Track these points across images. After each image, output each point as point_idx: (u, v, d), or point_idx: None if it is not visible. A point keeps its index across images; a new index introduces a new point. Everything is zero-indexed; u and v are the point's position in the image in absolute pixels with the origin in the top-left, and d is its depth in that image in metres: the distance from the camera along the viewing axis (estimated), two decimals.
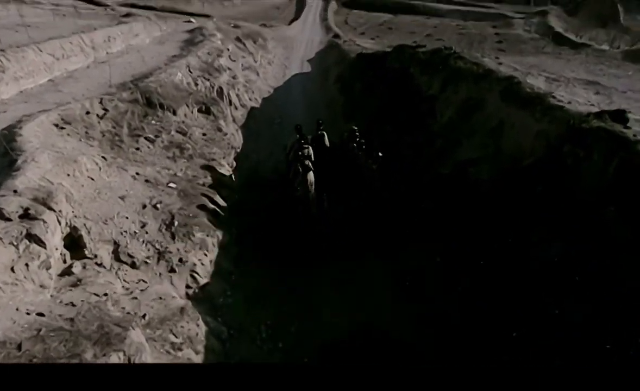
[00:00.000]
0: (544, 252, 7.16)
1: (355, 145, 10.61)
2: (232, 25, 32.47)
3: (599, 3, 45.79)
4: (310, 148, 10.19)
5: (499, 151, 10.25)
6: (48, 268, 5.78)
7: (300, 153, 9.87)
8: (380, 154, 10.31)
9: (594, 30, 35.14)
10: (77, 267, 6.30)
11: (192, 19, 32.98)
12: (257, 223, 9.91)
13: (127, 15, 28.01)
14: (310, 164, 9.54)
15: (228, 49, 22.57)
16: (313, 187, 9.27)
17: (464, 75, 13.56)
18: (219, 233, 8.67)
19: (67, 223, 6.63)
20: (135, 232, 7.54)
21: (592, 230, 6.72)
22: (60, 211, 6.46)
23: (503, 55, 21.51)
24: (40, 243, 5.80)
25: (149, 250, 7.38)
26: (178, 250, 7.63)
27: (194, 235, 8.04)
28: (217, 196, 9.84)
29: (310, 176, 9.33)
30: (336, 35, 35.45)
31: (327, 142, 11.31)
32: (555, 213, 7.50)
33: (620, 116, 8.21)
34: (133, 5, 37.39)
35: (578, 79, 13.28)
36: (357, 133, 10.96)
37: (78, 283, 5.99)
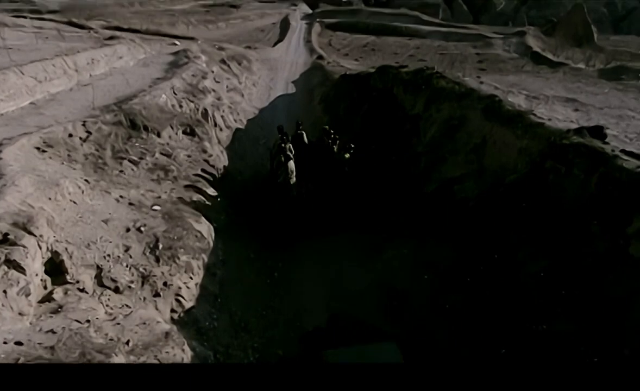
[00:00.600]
0: (531, 268, 7.21)
1: (330, 141, 12.45)
2: (217, 47, 32.67)
3: (574, 24, 47.39)
4: (291, 144, 11.79)
5: (483, 168, 10.38)
6: (27, 295, 5.62)
7: (282, 145, 11.43)
8: (352, 145, 12.19)
9: (570, 49, 36.25)
10: (58, 293, 6.14)
11: (176, 42, 33.09)
12: (244, 244, 9.82)
13: (111, 38, 27.95)
14: (290, 155, 11.18)
15: (213, 71, 22.66)
16: (293, 173, 11.05)
17: (446, 94, 13.79)
18: (204, 256, 8.55)
19: (48, 248, 6.47)
20: (118, 256, 7.40)
21: (576, 245, 6.80)
22: (41, 236, 6.31)
23: (484, 74, 22.00)
24: (20, 269, 5.64)
25: (132, 274, 7.23)
26: (163, 273, 7.50)
27: (178, 258, 7.92)
28: (202, 218, 9.74)
29: (291, 164, 11.06)
30: (320, 57, 35.90)
31: (305, 140, 13.13)
32: (540, 229, 7.59)
33: (598, 132, 8.41)
34: (117, 28, 37.43)
35: (557, 97, 13.61)
36: (332, 131, 12.86)
37: (59, 309, 5.82)
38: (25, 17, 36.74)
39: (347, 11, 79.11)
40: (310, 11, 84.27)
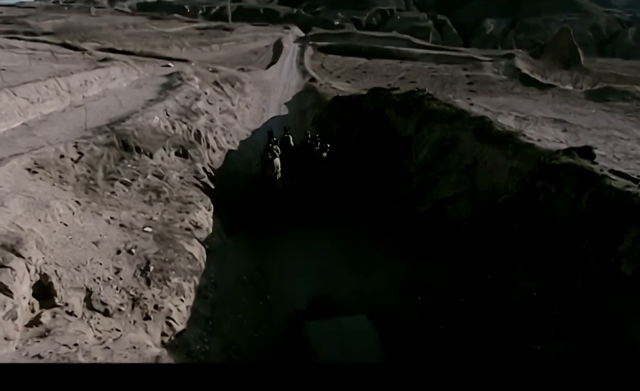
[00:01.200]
0: (524, 288, 7.21)
1: (313, 143, 14.73)
2: (210, 69, 32.96)
3: (561, 47, 48.48)
4: (278, 146, 13.93)
5: (475, 188, 10.46)
6: (14, 319, 5.50)
7: (270, 146, 13.63)
8: (328, 145, 14.43)
9: (558, 71, 36.98)
10: (46, 317, 6.02)
11: (170, 64, 33.35)
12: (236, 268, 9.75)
13: (105, 59, 28.12)
14: (277, 154, 13.24)
15: (206, 93, 22.80)
16: (279, 169, 13.08)
17: (437, 116, 13.95)
18: (196, 278, 8.47)
19: (36, 270, 6.37)
20: (108, 278, 7.30)
21: (568, 264, 6.82)
22: (29, 258, 6.22)
23: (474, 96, 22.35)
24: (7, 292, 5.54)
25: (122, 296, 7.13)
26: (153, 296, 7.39)
27: (170, 280, 7.83)
28: (194, 239, 9.67)
29: (276, 161, 13.13)
30: (313, 79, 36.31)
31: (292, 143, 15.42)
32: (532, 248, 7.62)
33: (587, 152, 8.53)
34: (111, 50, 37.69)
35: (546, 118, 13.82)
36: (316, 135, 15.31)
37: (46, 333, 5.71)
38: (19, 39, 36.95)
39: (339, 34, 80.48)
40: (303, 34, 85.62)
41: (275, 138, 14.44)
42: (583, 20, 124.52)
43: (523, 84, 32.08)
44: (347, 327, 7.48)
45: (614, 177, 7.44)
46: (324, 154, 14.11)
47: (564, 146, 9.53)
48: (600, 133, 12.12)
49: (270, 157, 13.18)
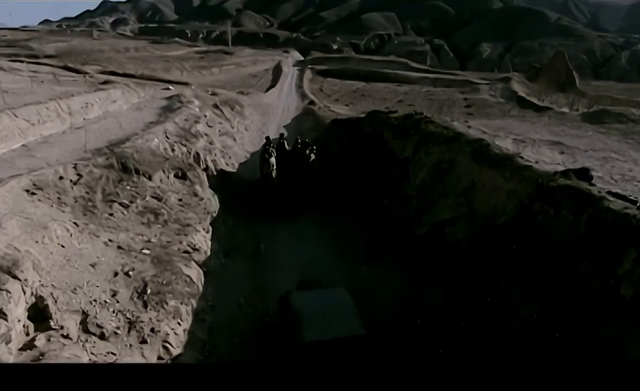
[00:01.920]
0: (523, 310, 7.15)
1: (303, 147, 16.98)
2: (210, 92, 33.28)
3: (557, 70, 49.15)
4: (274, 148, 16.46)
5: (473, 211, 10.46)
6: (8, 342, 5.43)
7: (267, 148, 16.13)
8: (314, 148, 16.82)
9: (554, 94, 37.38)
10: (40, 340, 5.94)
11: (170, 87, 33.69)
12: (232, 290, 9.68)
13: (106, 82, 28.41)
14: (272, 154, 15.57)
15: (205, 116, 22.96)
16: (274, 167, 15.29)
17: (435, 138, 14.05)
18: (193, 301, 8.39)
19: (32, 292, 6.32)
20: (105, 301, 7.23)
21: (568, 286, 6.79)
22: (25, 280, 6.18)
23: (471, 118, 22.53)
24: (2, 314, 5.48)
25: (119, 319, 7.05)
26: (150, 319, 7.32)
27: (167, 303, 7.76)
28: (192, 262, 9.61)
29: (272, 160, 15.39)
30: (311, 102, 36.67)
31: (287, 146, 17.75)
32: (531, 270, 7.58)
33: (584, 174, 8.57)
34: (112, 73, 38.11)
35: (543, 140, 13.93)
36: (305, 141, 17.79)
37: (40, 357, 5.63)
38: (22, 61, 37.36)
39: (337, 58, 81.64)
40: (302, 58, 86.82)
41: (272, 143, 17.02)
42: (577, 44, 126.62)
43: (520, 107, 32.40)
44: (327, 295, 8.41)
45: (611, 198, 7.46)
46: (312, 156, 16.56)
47: (561, 168, 9.58)
48: (597, 155, 12.19)
49: (267, 157, 15.60)
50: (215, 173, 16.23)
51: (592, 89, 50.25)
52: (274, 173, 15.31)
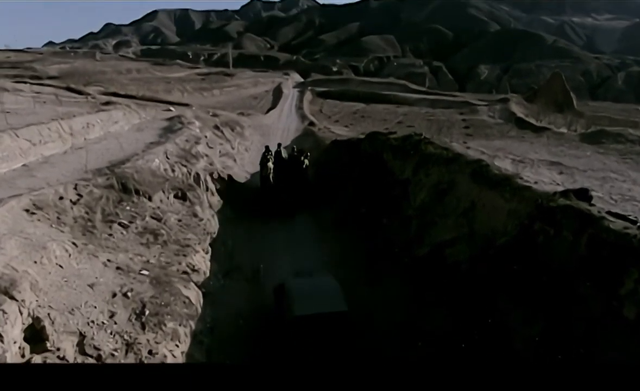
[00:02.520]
0: (525, 332, 7.08)
1: (297, 154, 19.45)
2: (211, 113, 33.54)
3: (554, 91, 49.63)
4: (273, 155, 19.02)
5: (473, 231, 10.43)
6: None
7: (266, 154, 18.77)
8: (308, 154, 19.80)
9: (552, 115, 37.64)
10: (36, 362, 5.86)
11: (171, 108, 33.97)
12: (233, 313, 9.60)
13: (108, 103, 28.66)
14: (271, 160, 18.37)
15: (206, 137, 23.10)
16: (271, 169, 18.07)
17: (434, 159, 14.10)
18: (192, 323, 8.31)
19: (29, 313, 6.26)
20: (103, 322, 7.16)
21: (570, 307, 6.73)
22: (23, 300, 6.12)
23: (470, 139, 22.68)
24: None
25: (116, 341, 6.97)
26: (148, 341, 7.23)
27: (165, 325, 7.68)
28: (191, 283, 9.55)
29: (270, 164, 18.17)
30: (311, 123, 36.92)
31: (284, 155, 19.81)
32: (532, 291, 7.53)
33: (584, 194, 8.57)
34: (114, 94, 38.46)
35: (542, 160, 13.98)
36: (300, 149, 20.46)
37: None
38: (25, 83, 37.75)
39: (337, 80, 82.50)
40: (302, 80, 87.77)
41: (270, 151, 19.37)
42: (574, 66, 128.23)
43: (518, 127, 32.60)
44: (317, 281, 9.74)
45: (611, 218, 7.44)
46: (306, 161, 19.11)
47: (560, 188, 9.59)
48: (596, 175, 12.22)
49: (266, 161, 18.37)
50: (221, 180, 17.58)
51: (589, 109, 50.66)
52: (271, 176, 18.04)
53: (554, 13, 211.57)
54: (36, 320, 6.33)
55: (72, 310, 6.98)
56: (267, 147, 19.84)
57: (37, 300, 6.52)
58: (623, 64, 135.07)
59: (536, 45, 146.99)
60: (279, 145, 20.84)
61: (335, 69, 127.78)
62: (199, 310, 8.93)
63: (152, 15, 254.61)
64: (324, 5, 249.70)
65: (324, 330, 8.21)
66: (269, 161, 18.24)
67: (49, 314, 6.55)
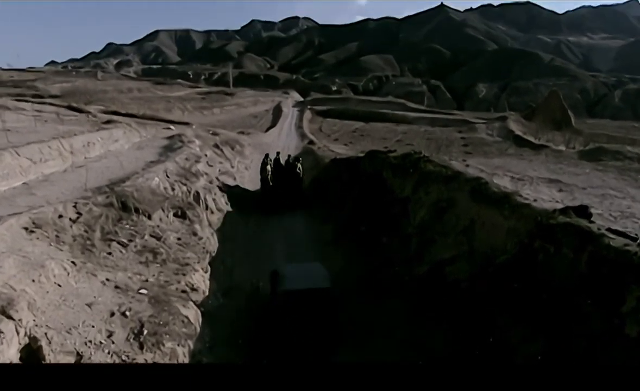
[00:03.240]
0: (526, 351, 7.01)
1: (293, 160, 22.64)
2: (211, 132, 33.73)
3: (552, 109, 50.03)
4: (272, 160, 21.70)
5: (473, 249, 10.41)
6: None
7: (265, 160, 21.47)
8: (300, 159, 23.59)
9: (550, 133, 37.90)
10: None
11: (171, 126, 34.17)
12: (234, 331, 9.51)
13: (108, 121, 28.86)
14: (269, 164, 21.09)
15: (206, 155, 23.22)
16: (270, 172, 20.65)
17: (434, 177, 14.13)
18: (191, 342, 8.23)
19: (26, 333, 6.20)
20: (100, 342, 7.09)
21: (571, 325, 6.68)
22: (20, 320, 6.07)
23: (469, 157, 22.78)
24: None
25: (114, 361, 6.89)
26: (146, 361, 7.15)
27: (163, 345, 7.60)
28: (190, 302, 9.48)
29: (268, 168, 20.78)
30: (311, 142, 37.12)
31: (282, 161, 22.39)
32: (534, 310, 7.48)
33: (583, 211, 8.57)
34: (115, 113, 38.71)
35: (541, 178, 14.02)
36: (296, 156, 24.19)
37: None
38: (27, 101, 38.03)
39: (337, 99, 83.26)
40: (301, 99, 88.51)
41: (270, 158, 21.95)
42: (571, 84, 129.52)
43: (517, 145, 32.78)
44: (306, 265, 11.35)
45: (612, 235, 7.43)
46: (299, 166, 21.99)
47: (560, 205, 9.59)
48: (595, 192, 12.24)
49: (265, 165, 21.07)
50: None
51: (587, 127, 51.02)
52: (269, 178, 20.65)
53: (550, 32, 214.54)
54: (33, 339, 6.27)
55: (70, 329, 6.92)
56: (267, 155, 22.77)
57: (34, 320, 6.47)
58: (619, 82, 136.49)
59: (533, 63, 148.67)
60: (278, 153, 23.66)
61: (334, 88, 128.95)
62: (198, 329, 8.85)
63: (154, 35, 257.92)
64: (323, 25, 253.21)
65: (309, 304, 9.40)
66: (267, 164, 21.17)
67: (46, 334, 6.49)
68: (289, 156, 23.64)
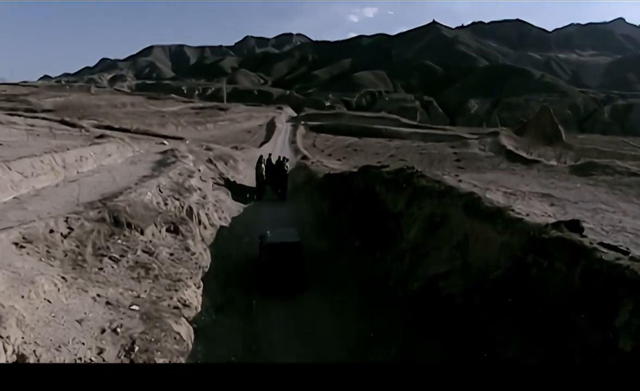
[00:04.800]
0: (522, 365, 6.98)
1: (282, 159, 27.88)
2: (204, 147, 33.73)
3: (543, 124, 50.67)
4: (265, 160, 27.26)
5: (467, 264, 10.40)
6: None
7: (259, 160, 27.07)
8: (287, 158, 29.24)
9: (541, 147, 38.29)
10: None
11: (165, 141, 34.12)
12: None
13: (101, 136, 28.75)
14: (263, 163, 26.85)
15: (199, 170, 23.17)
16: (264, 170, 26.49)
17: (427, 192, 14.17)
18: (182, 359, 8.11)
19: (14, 350, 6.08)
20: (90, 359, 6.97)
21: (566, 340, 6.67)
22: (8, 337, 5.96)
23: (462, 172, 22.90)
24: None
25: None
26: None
27: (155, 362, 7.48)
28: (182, 318, 9.37)
29: (263, 166, 26.62)
30: (304, 157, 37.22)
31: (273, 161, 27.75)
32: (528, 324, 7.47)
33: (575, 226, 8.62)
34: (108, 127, 38.62)
35: (533, 192, 14.10)
36: (283, 157, 28.98)
37: None
38: (19, 115, 37.86)
39: (330, 114, 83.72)
40: (295, 114, 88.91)
41: (263, 158, 27.57)
42: (561, 100, 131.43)
43: (509, 160, 33.05)
44: (284, 230, 15.59)
45: (604, 249, 7.47)
46: (287, 164, 27.53)
47: (552, 220, 9.64)
48: (587, 206, 12.32)
49: (260, 163, 26.78)
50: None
51: (578, 142, 51.64)
52: (263, 173, 26.48)
53: (540, 49, 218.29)
54: (21, 357, 6.15)
55: (59, 347, 6.80)
56: (261, 155, 28.44)
57: (22, 337, 6.36)
58: (608, 97, 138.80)
59: (524, 80, 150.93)
60: (270, 154, 29.41)
61: (328, 104, 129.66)
62: (190, 346, 8.73)
63: (148, 50, 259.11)
64: (317, 41, 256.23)
65: (284, 253, 13.53)
66: (262, 163, 26.92)
67: (34, 351, 6.37)
68: (279, 156, 28.91)
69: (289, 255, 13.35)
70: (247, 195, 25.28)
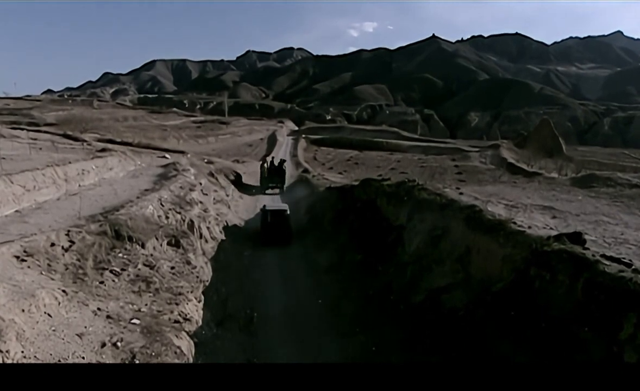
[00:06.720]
0: None
1: (281, 160, 35.70)
2: (206, 160, 33.83)
3: (543, 137, 50.77)
4: (267, 161, 35.37)
5: (469, 277, 10.35)
6: None
7: (263, 160, 36.09)
8: (285, 160, 38.11)
9: (542, 160, 38.31)
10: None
11: (166, 155, 34.25)
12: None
13: (103, 150, 28.88)
14: (266, 163, 34.64)
15: (201, 183, 23.20)
16: (266, 169, 33.82)
17: (428, 205, 14.14)
18: None
19: None
20: None
21: (570, 353, 6.61)
22: (7, 351, 5.92)
23: (463, 185, 22.91)
24: None
25: None
26: None
27: None
28: (183, 332, 9.31)
29: (265, 165, 34.20)
30: (306, 170, 37.29)
31: (274, 162, 34.52)
32: (532, 337, 7.40)
33: (577, 238, 8.58)
34: (110, 141, 38.78)
35: (534, 205, 14.08)
36: (281, 159, 36.94)
37: None
38: (22, 129, 38.07)
39: (331, 128, 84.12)
40: (296, 128, 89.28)
41: (266, 160, 33.77)
42: (561, 112, 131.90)
43: (510, 173, 33.05)
44: (279, 204, 24.06)
45: (606, 262, 7.43)
46: (284, 165, 33.92)
47: (554, 232, 9.61)
48: (589, 218, 12.29)
49: (263, 163, 33.19)
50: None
51: (578, 154, 51.66)
52: (266, 172, 32.57)
53: (540, 62, 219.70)
54: None
55: (59, 361, 6.75)
56: (264, 157, 34.18)
57: (22, 351, 6.32)
58: (608, 109, 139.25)
59: (524, 92, 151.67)
60: (272, 157, 36.15)
61: (329, 117, 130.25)
62: (191, 360, 8.66)
63: (150, 64, 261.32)
64: (317, 56, 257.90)
65: (278, 216, 19.50)
66: (265, 163, 33.59)
67: None
68: (280, 160, 35.58)
69: (280, 218, 19.50)
70: (253, 191, 32.08)
